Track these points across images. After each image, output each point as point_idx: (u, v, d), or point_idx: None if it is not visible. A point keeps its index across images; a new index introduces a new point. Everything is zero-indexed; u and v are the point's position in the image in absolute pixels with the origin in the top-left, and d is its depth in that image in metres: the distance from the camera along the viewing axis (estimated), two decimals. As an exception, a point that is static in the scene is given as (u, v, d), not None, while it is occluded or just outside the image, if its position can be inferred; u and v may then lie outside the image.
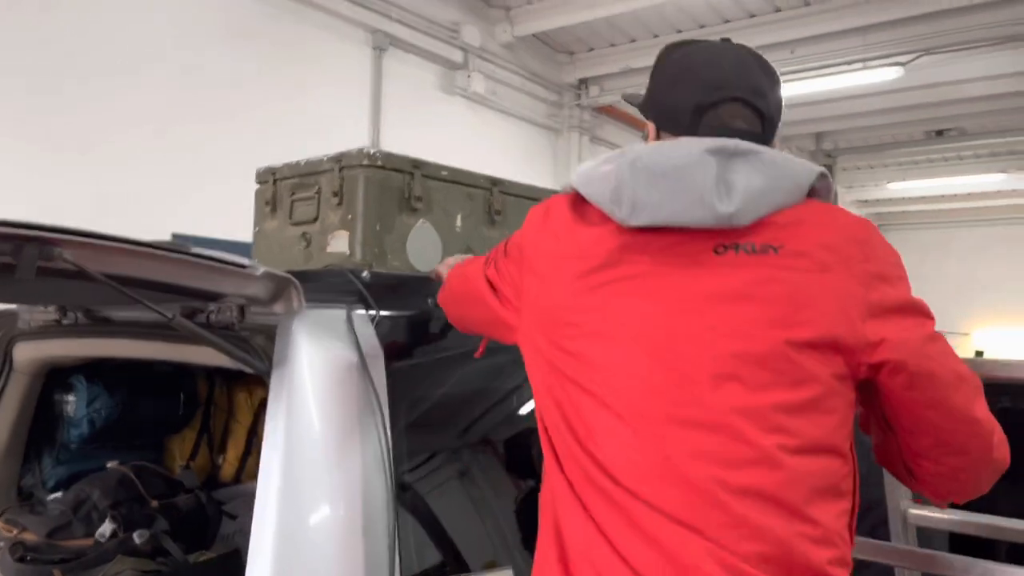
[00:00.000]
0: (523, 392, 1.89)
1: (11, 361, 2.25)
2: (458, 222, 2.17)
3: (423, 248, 2.07)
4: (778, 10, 7.00)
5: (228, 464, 2.82)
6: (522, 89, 7.78)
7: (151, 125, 4.82)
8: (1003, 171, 10.96)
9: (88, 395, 2.39)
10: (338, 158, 2.04)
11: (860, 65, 7.09)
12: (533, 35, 7.63)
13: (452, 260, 1.80)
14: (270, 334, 1.57)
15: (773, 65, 1.29)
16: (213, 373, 2.78)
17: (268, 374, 1.51)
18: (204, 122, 5.08)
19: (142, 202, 4.69)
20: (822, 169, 1.17)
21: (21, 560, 2.02)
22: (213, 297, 1.54)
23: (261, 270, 1.49)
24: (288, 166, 2.21)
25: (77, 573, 2.05)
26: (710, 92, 1.21)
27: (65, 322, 2.14)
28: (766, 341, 1.06)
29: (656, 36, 7.66)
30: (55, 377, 2.37)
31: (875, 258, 1.12)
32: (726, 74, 1.22)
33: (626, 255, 1.15)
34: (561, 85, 8.24)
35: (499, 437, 1.86)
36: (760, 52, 1.30)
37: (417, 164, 2.09)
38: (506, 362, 1.84)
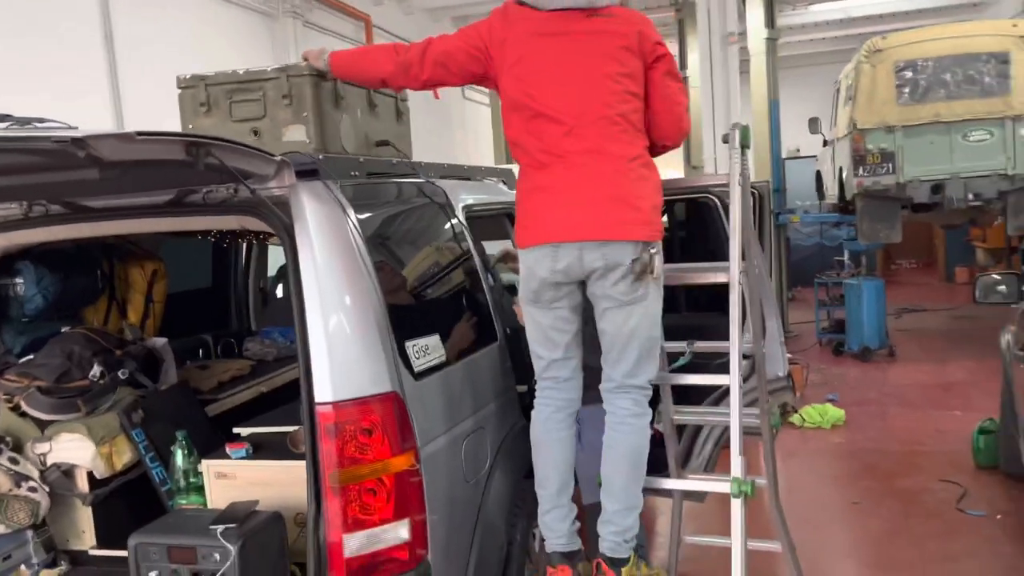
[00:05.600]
0: (431, 232, 2.89)
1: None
2: (359, 114, 2.99)
3: (348, 135, 2.88)
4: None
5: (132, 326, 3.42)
6: (238, -25, 7.99)
7: None
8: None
9: (36, 276, 2.88)
10: (283, 68, 2.75)
11: None
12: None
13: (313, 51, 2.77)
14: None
15: None
16: (111, 253, 3.32)
17: (291, 229, 2.31)
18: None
19: None
20: None
21: (49, 396, 2.61)
22: (248, 176, 2.28)
23: (278, 156, 2.28)
24: (221, 75, 2.81)
25: (93, 401, 2.69)
26: None
27: (32, 215, 2.65)
28: (611, 45, 2.51)
29: (364, -74, 8.24)
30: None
31: (648, 25, 2.63)
32: None
33: (550, 23, 2.51)
34: (273, -30, 8.53)
35: (430, 257, 2.85)
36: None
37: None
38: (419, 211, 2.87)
